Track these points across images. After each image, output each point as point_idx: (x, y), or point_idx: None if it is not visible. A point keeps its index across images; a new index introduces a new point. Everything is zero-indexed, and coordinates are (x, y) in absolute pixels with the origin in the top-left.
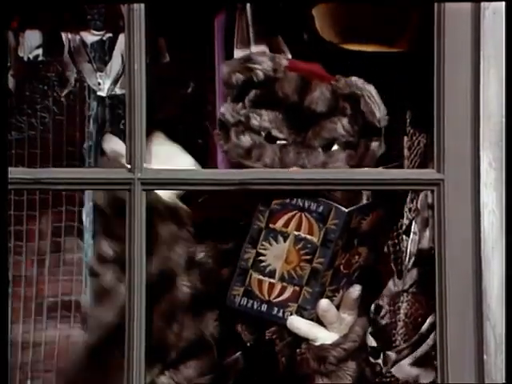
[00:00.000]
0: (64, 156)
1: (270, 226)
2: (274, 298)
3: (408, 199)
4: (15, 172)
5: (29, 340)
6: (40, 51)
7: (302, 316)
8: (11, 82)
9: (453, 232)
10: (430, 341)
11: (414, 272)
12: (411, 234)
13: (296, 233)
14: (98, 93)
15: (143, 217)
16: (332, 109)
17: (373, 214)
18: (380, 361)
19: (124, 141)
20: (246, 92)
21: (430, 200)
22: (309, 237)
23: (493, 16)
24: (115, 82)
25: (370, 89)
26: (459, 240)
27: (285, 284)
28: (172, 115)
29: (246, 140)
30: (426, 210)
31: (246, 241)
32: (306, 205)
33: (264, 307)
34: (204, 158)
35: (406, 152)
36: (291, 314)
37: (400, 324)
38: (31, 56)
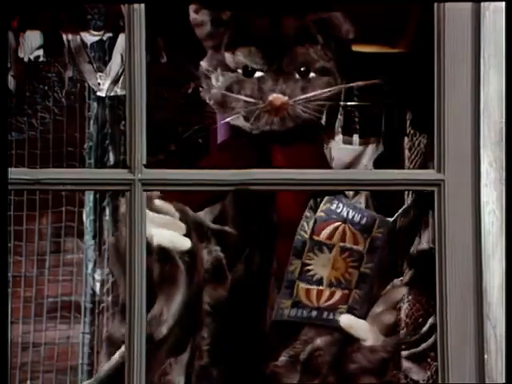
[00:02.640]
0: (64, 156)
1: (314, 237)
2: (324, 303)
3: (408, 200)
4: (15, 172)
5: (29, 340)
6: (40, 52)
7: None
8: (11, 83)
9: (453, 232)
10: (429, 339)
11: (415, 272)
12: None
13: (341, 244)
14: (98, 93)
15: (144, 217)
16: (303, 36)
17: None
18: None
19: (125, 143)
20: (218, 36)
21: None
22: (354, 247)
23: (493, 16)
24: (115, 82)
25: (336, 13)
26: (459, 240)
27: (333, 289)
28: (172, 115)
29: (225, 79)
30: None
31: (290, 253)
32: (350, 215)
33: (314, 313)
34: (204, 157)
35: (406, 152)
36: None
37: (400, 325)
38: (31, 57)
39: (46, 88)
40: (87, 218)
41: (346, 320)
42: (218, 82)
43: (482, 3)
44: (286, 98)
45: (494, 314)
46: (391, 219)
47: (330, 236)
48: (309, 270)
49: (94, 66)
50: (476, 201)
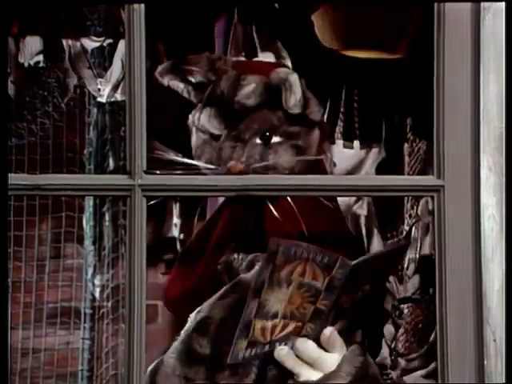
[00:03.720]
0: (64, 162)
1: (274, 275)
2: (277, 335)
3: (408, 205)
4: (15, 178)
5: (28, 346)
6: (40, 57)
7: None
8: (11, 88)
9: (453, 237)
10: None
11: (416, 278)
12: (411, 239)
13: (300, 279)
14: (98, 99)
15: (144, 223)
16: (265, 101)
17: (374, 263)
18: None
19: (125, 149)
20: (202, 94)
21: (430, 206)
22: (313, 282)
23: (492, 20)
24: (115, 88)
25: (291, 77)
26: (459, 245)
27: (287, 321)
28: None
29: (193, 140)
30: (426, 216)
31: (249, 295)
32: (311, 256)
33: (266, 347)
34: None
35: (406, 158)
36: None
37: (401, 331)
38: (31, 62)
39: (46, 94)
40: (87, 223)
41: (281, 355)
42: (192, 139)
43: (482, 7)
44: (243, 166)
45: (494, 318)
46: (353, 262)
47: (290, 273)
48: (265, 306)
49: (95, 71)
50: (475, 206)
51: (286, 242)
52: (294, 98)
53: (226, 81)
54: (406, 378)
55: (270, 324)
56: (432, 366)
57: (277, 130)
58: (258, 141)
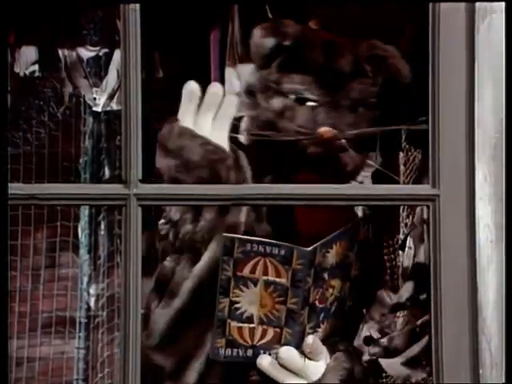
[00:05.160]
0: (59, 171)
1: (238, 274)
2: (258, 342)
3: (404, 214)
4: (10, 187)
5: (23, 355)
6: (36, 67)
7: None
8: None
9: (448, 247)
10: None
11: (410, 286)
12: (406, 248)
13: (264, 277)
14: (94, 108)
15: (139, 232)
16: (357, 71)
17: (335, 246)
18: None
19: (120, 158)
20: (274, 57)
21: (425, 215)
22: (277, 279)
23: (487, 30)
24: (111, 98)
25: (392, 49)
26: (454, 255)
27: (265, 327)
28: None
29: (277, 103)
30: (422, 225)
31: (217, 292)
32: (268, 250)
33: (250, 352)
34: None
35: (401, 167)
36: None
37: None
38: (27, 72)
39: (42, 103)
40: (82, 232)
41: (263, 364)
42: (267, 103)
43: (476, 17)
44: (336, 131)
45: (489, 328)
46: (309, 249)
47: (253, 270)
48: (237, 308)
49: (90, 81)
50: (471, 215)
51: (239, 237)
52: (405, 67)
53: (316, 48)
54: (382, 361)
55: (246, 327)
56: (411, 350)
57: (366, 100)
58: (349, 110)
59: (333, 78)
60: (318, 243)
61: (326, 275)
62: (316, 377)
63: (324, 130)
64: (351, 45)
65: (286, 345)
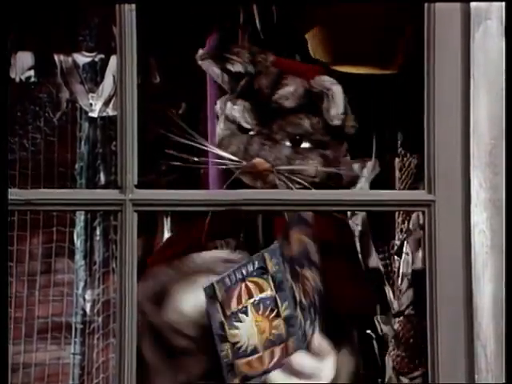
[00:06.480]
0: (55, 177)
1: (228, 312)
2: (268, 365)
3: (400, 220)
4: None
5: (19, 361)
6: (32, 72)
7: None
8: None
9: (444, 252)
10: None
11: (410, 293)
12: (403, 254)
13: (251, 300)
14: (90, 114)
15: (134, 238)
16: (302, 105)
17: (293, 233)
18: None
19: (116, 163)
20: (237, 84)
21: (421, 221)
22: (263, 294)
23: (483, 37)
24: (107, 103)
25: (335, 88)
26: (450, 260)
27: (271, 349)
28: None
29: (220, 129)
30: (418, 231)
31: (216, 340)
32: (244, 271)
33: (264, 377)
34: (197, 176)
35: (397, 173)
36: None
37: (391, 346)
38: (23, 77)
39: (38, 109)
40: (78, 238)
41: (274, 378)
42: (219, 126)
43: (472, 25)
44: (268, 165)
45: (484, 333)
46: (275, 243)
47: (239, 300)
48: (240, 347)
49: (86, 86)
50: (466, 221)
51: (216, 279)
52: (335, 110)
53: (265, 77)
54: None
55: (255, 358)
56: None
57: (309, 137)
58: (288, 143)
59: (271, 108)
60: (280, 236)
61: (297, 267)
62: (329, 376)
63: (258, 161)
64: (304, 78)
65: (294, 352)
